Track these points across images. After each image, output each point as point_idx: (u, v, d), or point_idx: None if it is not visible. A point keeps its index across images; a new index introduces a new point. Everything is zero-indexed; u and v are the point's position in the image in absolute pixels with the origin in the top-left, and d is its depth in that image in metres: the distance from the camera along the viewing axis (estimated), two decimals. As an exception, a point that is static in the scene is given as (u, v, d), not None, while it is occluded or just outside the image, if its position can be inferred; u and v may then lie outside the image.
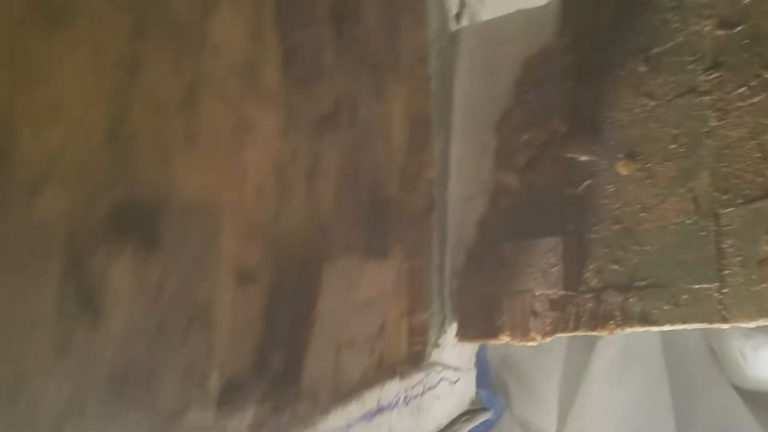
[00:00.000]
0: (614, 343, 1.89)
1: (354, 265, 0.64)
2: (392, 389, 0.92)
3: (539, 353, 1.94)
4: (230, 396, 0.48)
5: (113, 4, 0.36)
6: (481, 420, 1.51)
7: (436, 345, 1.21)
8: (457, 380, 1.42)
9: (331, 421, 0.63)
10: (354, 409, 0.73)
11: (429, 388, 1.19)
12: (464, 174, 1.22)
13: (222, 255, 0.48)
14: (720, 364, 1.91)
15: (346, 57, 0.72)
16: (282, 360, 0.57)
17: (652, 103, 0.92)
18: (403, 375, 0.98)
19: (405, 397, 1.03)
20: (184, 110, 0.44)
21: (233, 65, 0.50)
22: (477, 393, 1.60)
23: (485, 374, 2.09)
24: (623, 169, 0.96)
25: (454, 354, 1.40)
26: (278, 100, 0.57)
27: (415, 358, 1.13)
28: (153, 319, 0.38)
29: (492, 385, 2.14)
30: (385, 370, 0.93)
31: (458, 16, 1.30)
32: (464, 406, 1.53)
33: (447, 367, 1.31)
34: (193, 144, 0.45)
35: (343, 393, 0.69)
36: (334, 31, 0.66)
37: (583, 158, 1.03)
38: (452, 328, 1.25)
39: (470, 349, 1.55)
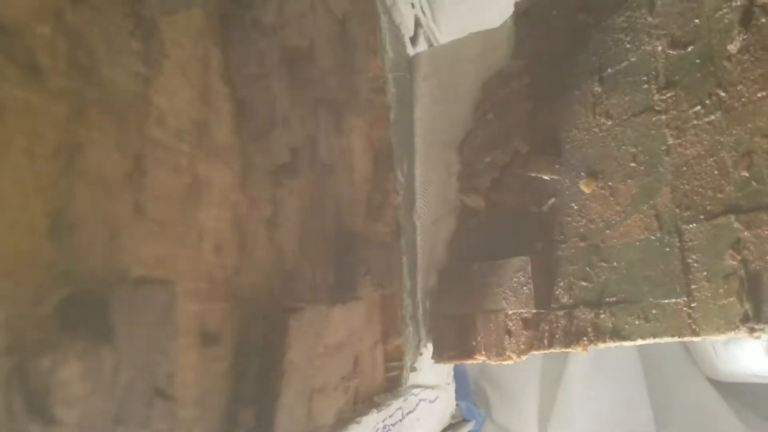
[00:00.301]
0: (589, 346, 1.91)
1: (321, 312, 0.63)
2: (370, 422, 0.91)
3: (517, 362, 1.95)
4: (201, 462, 0.47)
5: (45, 91, 0.35)
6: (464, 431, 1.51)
7: (413, 369, 1.21)
8: (436, 398, 1.42)
9: (308, 468, 0.62)
10: (331, 451, 0.72)
11: (408, 413, 1.18)
12: (430, 197, 1.23)
13: (181, 322, 0.47)
14: (693, 358, 1.94)
15: (302, 100, 0.72)
16: (252, 416, 0.56)
17: (610, 123, 0.93)
18: (380, 406, 0.97)
19: (384, 427, 1.03)
20: (130, 184, 0.42)
21: (181, 130, 0.49)
22: (457, 405, 1.60)
23: (464, 386, 2.10)
24: (585, 187, 0.96)
25: (431, 374, 1.39)
26: (232, 156, 0.56)
27: (392, 385, 1.12)
28: (110, 411, 0.36)
29: (472, 395, 2.15)
30: (361, 405, 0.92)
31: (414, 39, 1.30)
32: (445, 421, 1.52)
33: (425, 387, 1.31)
34: (143, 216, 0.44)
35: (319, 438, 0.67)
36: (287, 77, 0.65)
37: (546, 177, 1.03)
38: (428, 349, 1.25)
39: (447, 365, 1.56)
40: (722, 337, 0.80)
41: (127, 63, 0.43)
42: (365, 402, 0.94)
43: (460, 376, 1.99)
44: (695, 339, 0.82)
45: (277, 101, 0.58)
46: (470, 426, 1.61)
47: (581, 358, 1.94)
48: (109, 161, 0.40)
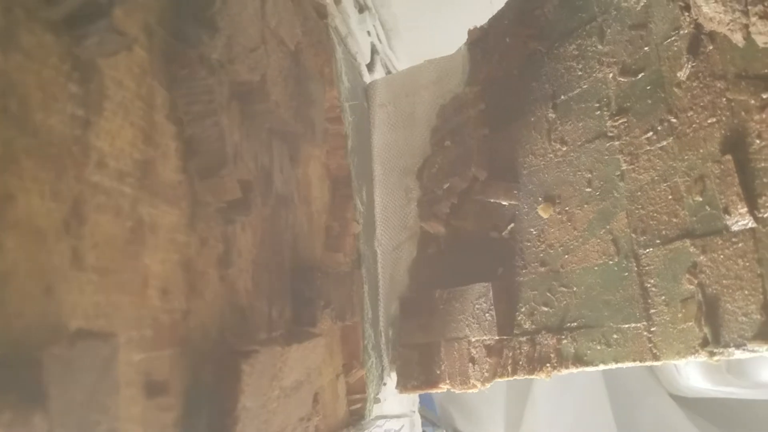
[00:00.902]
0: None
1: (276, 353, 0.61)
2: (333, 459, 0.89)
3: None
4: None
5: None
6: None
7: (377, 400, 1.19)
8: (402, 427, 1.40)
9: None
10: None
11: (373, 445, 1.16)
12: (391, 223, 1.22)
13: (123, 374, 0.45)
14: (656, 375, 1.97)
15: (255, 133, 0.70)
16: (206, 466, 0.53)
17: (565, 148, 0.94)
18: (343, 441, 0.95)
19: (348, 462, 1.01)
20: (68, 232, 0.40)
21: (123, 172, 0.47)
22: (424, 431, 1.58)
23: (431, 411, 2.08)
24: (543, 212, 0.97)
25: (395, 403, 1.37)
26: (179, 195, 0.54)
27: (355, 418, 1.10)
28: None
29: (439, 420, 2.14)
30: (324, 442, 0.90)
31: (371, 66, 1.30)
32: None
33: (390, 418, 1.29)
34: (82, 265, 0.41)
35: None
36: (238, 112, 0.63)
37: (505, 203, 1.03)
38: (392, 379, 1.23)
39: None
40: (683, 362, 0.80)
41: (63, 108, 0.41)
42: (327, 439, 0.91)
43: (427, 402, 1.98)
44: (656, 363, 0.82)
45: (227, 137, 0.56)
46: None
47: (546, 381, 1.94)
48: (43, 210, 0.38)
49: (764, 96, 0.66)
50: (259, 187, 0.72)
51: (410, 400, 1.52)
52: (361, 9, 1.28)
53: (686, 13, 0.75)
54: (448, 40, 1.20)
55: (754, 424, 1.83)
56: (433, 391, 1.15)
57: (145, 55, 0.50)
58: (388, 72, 1.46)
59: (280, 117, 0.73)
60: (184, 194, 0.55)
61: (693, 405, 1.91)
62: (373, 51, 1.38)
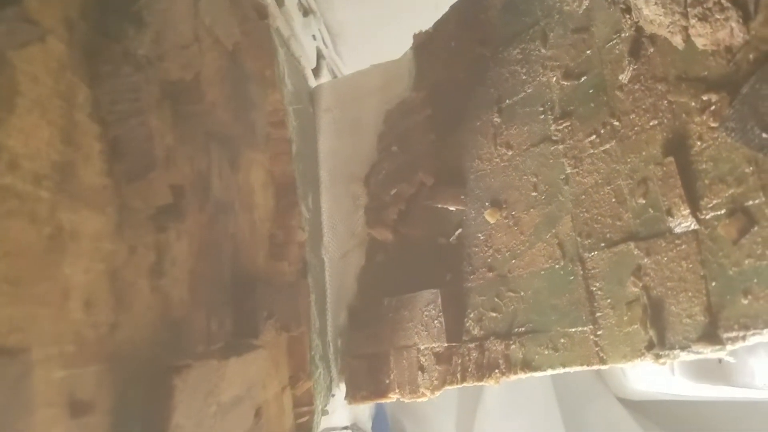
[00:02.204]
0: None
1: (212, 368, 0.58)
2: (278, 476, 0.86)
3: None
4: None
5: None
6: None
7: (325, 412, 1.16)
8: (352, 439, 1.37)
9: None
10: None
11: (322, 459, 1.13)
12: (338, 231, 1.19)
13: (41, 393, 0.41)
14: (603, 378, 1.99)
15: (190, 136, 0.67)
16: (137, 489, 0.50)
17: (510, 153, 0.93)
18: (289, 457, 0.92)
19: (295, 477, 0.97)
20: (-26, 240, 0.37)
21: (39, 174, 0.43)
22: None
23: (383, 420, 2.06)
24: (490, 217, 0.96)
25: (345, 414, 1.34)
26: (104, 200, 0.51)
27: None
28: None
29: (390, 430, 2.11)
30: (268, 458, 0.86)
31: (317, 71, 1.28)
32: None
33: (338, 430, 1.26)
34: (-8, 277, 0.38)
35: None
36: (170, 113, 0.60)
37: (452, 208, 1.02)
38: (341, 390, 1.20)
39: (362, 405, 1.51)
40: (629, 365, 0.80)
41: (-32, 103, 0.38)
42: (272, 454, 0.88)
43: (378, 412, 1.95)
44: (603, 367, 0.81)
45: (156, 138, 0.53)
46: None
47: (496, 387, 1.95)
48: (-58, 215, 0.35)
49: (704, 98, 0.67)
50: (195, 193, 0.68)
51: (360, 412, 1.50)
52: (306, 12, 1.26)
53: (627, 16, 0.75)
54: (396, 44, 1.19)
55: (700, 426, 1.87)
56: (383, 401, 1.13)
57: (65, 49, 0.47)
58: (335, 77, 1.44)
59: (218, 119, 0.70)
60: (110, 199, 0.52)
61: (640, 408, 1.94)
62: (319, 55, 1.36)
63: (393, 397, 1.10)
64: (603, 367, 0.82)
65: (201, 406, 0.54)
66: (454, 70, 1.03)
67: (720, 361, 1.35)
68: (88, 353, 0.47)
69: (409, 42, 1.14)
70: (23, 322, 0.41)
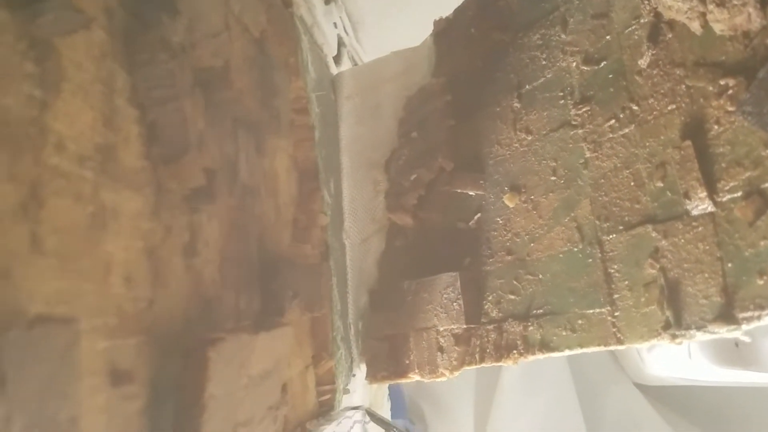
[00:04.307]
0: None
1: (244, 342, 0.61)
2: (303, 450, 0.89)
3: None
4: None
5: None
6: (401, 451, 1.50)
7: (346, 391, 1.18)
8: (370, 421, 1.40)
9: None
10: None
11: (342, 436, 1.16)
12: (359, 216, 1.22)
13: (86, 361, 0.44)
14: (621, 364, 2.00)
15: (219, 122, 0.69)
16: (171, 456, 0.53)
17: (530, 138, 0.94)
18: (312, 432, 0.95)
19: (318, 453, 1.00)
20: (26, 216, 0.39)
21: (83, 156, 0.46)
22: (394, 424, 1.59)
23: (400, 403, 2.09)
24: (509, 201, 0.97)
25: (365, 394, 1.37)
26: (142, 181, 0.53)
27: (324, 409, 1.09)
28: (3, 463, 0.33)
29: (408, 412, 2.14)
30: (292, 433, 0.89)
31: (338, 59, 1.30)
32: (382, 441, 1.50)
33: (359, 409, 1.28)
34: (41, 250, 0.40)
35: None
36: (201, 98, 0.62)
37: (472, 193, 1.04)
38: (361, 370, 1.23)
39: (382, 385, 1.54)
40: (646, 345, 0.81)
41: (19, 87, 0.40)
42: (296, 429, 0.91)
43: (396, 394, 1.98)
44: (620, 347, 0.83)
45: (189, 123, 0.55)
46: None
47: (513, 370, 1.96)
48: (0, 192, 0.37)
49: (721, 82, 0.68)
50: (224, 177, 0.71)
51: (380, 392, 1.53)
52: (327, 0, 1.27)
53: (646, 2, 0.76)
54: (416, 32, 1.20)
55: (717, 412, 1.88)
56: (403, 381, 1.15)
57: (105, 37, 0.49)
58: (356, 65, 1.45)
59: (245, 105, 0.72)
60: (148, 181, 0.55)
61: (657, 393, 1.95)
62: (340, 43, 1.37)
63: (413, 377, 1.13)
64: (620, 348, 0.84)
65: (233, 378, 0.57)
66: (473, 57, 1.05)
67: (737, 344, 1.36)
68: (129, 326, 0.50)
69: (429, 29, 1.15)
70: (70, 294, 0.43)
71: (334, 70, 1.29)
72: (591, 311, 0.85)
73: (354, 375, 1.23)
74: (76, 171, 0.45)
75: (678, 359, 1.70)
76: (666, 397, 1.95)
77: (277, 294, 0.83)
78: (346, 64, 1.39)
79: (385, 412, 1.57)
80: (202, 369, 0.54)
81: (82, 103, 0.46)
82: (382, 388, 1.60)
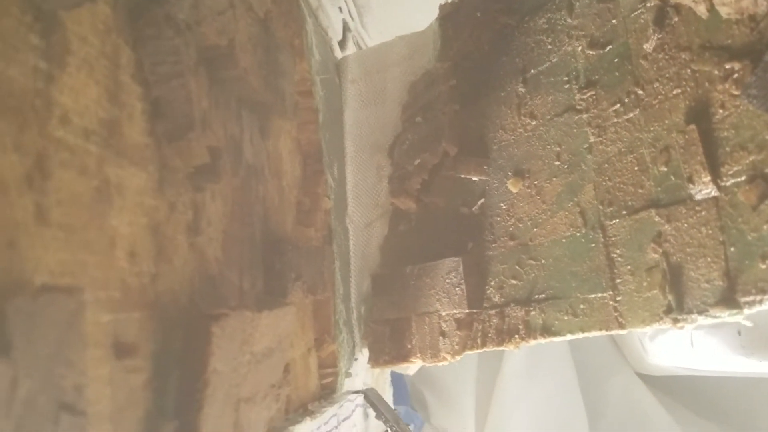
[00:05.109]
0: (523, 344, 1.95)
1: (247, 319, 0.61)
2: (304, 431, 0.89)
3: (453, 362, 1.97)
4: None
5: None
6: (402, 437, 1.51)
7: (348, 375, 1.19)
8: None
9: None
10: (262, 462, 0.70)
11: (344, 419, 1.17)
12: (362, 200, 1.22)
13: (91, 333, 0.44)
14: (623, 354, 2.00)
15: (223, 101, 0.69)
16: (174, 430, 0.53)
17: (534, 123, 0.94)
18: (314, 413, 0.95)
19: (319, 434, 1.01)
20: (32, 186, 0.40)
21: (88, 130, 0.46)
22: (395, 410, 1.59)
23: (403, 390, 2.10)
24: (513, 186, 0.97)
25: (367, 379, 1.38)
26: (146, 158, 0.53)
27: (327, 392, 1.10)
28: (9, 425, 0.34)
29: (410, 399, 2.15)
30: (294, 414, 0.90)
31: (343, 43, 1.30)
32: (383, 426, 1.51)
33: (353, 392, 1.29)
34: (46, 221, 0.41)
35: (248, 450, 0.65)
36: (206, 77, 0.63)
37: (475, 178, 1.04)
38: (363, 355, 1.24)
39: (384, 370, 1.55)
40: (648, 329, 0.82)
41: (25, 59, 0.41)
42: (298, 410, 0.92)
43: (398, 381, 1.99)
44: (622, 332, 0.83)
45: (194, 101, 0.55)
46: (409, 430, 1.60)
47: (515, 358, 1.97)
48: (5, 162, 0.37)
49: (727, 66, 0.68)
50: (228, 156, 0.71)
51: (382, 377, 1.54)
52: (332, -16, 1.27)
53: (653, -15, 0.76)
54: (421, 16, 1.20)
55: (719, 402, 1.88)
56: (405, 364, 1.16)
57: (110, 12, 0.49)
58: (360, 49, 1.45)
59: (250, 85, 0.73)
60: (152, 157, 0.55)
61: (660, 383, 1.95)
62: (346, 28, 1.37)
63: (414, 361, 1.13)
64: (621, 332, 0.84)
65: (236, 353, 0.58)
66: (479, 41, 1.04)
67: (740, 333, 1.36)
68: (132, 300, 0.51)
69: (434, 13, 1.15)
70: (75, 266, 0.44)
71: (339, 54, 1.29)
72: (593, 296, 0.85)
73: (356, 359, 1.24)
74: (81, 144, 0.45)
75: (680, 349, 1.70)
76: (668, 387, 1.96)
77: (280, 275, 0.83)
78: (351, 50, 1.39)
79: (388, 399, 1.57)
80: (206, 344, 0.54)
81: (87, 77, 0.46)
82: (384, 374, 1.61)
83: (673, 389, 1.95)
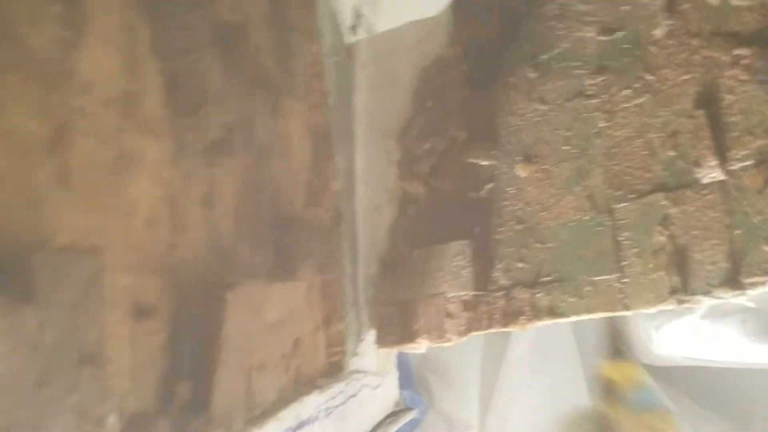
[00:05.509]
0: (527, 330, 1.95)
1: (259, 288, 0.63)
2: (312, 403, 0.91)
3: (458, 348, 1.97)
4: None
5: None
6: (406, 420, 1.52)
7: (355, 354, 1.20)
8: (379, 385, 1.42)
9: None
10: (271, 428, 0.71)
11: (351, 396, 1.18)
12: (371, 184, 1.23)
13: (110, 293, 0.46)
14: (627, 343, 2.01)
15: (236, 79, 0.71)
16: (189, 390, 0.55)
17: (544, 108, 0.95)
18: (322, 388, 0.97)
19: (326, 408, 1.02)
20: (54, 151, 0.41)
21: (108, 99, 0.47)
22: (400, 394, 1.61)
23: (408, 374, 2.11)
24: (521, 171, 0.98)
25: (373, 360, 1.39)
26: (163, 130, 0.55)
27: (334, 369, 1.12)
28: (34, 370, 0.35)
29: (415, 385, 2.17)
30: (303, 386, 0.91)
31: (354, 28, 1.30)
32: (388, 408, 1.53)
33: (367, 373, 1.31)
34: (68, 185, 0.42)
35: (258, 415, 0.67)
36: (219, 54, 0.64)
37: (484, 163, 1.05)
38: (370, 335, 1.25)
39: (390, 352, 1.56)
40: (652, 310, 0.83)
41: (48, 27, 0.42)
42: (307, 384, 0.93)
43: (404, 366, 2.00)
44: (626, 313, 0.85)
45: (208, 76, 0.57)
46: (413, 414, 1.62)
47: (520, 346, 1.98)
48: (29, 125, 0.39)
49: (736, 52, 0.68)
50: (241, 134, 0.72)
51: (388, 360, 1.55)
52: (346, -32, 1.27)
53: (664, -29, 0.76)
54: (433, 2, 1.20)
55: (724, 392, 1.88)
56: (411, 345, 1.17)
57: (129, -13, 0.51)
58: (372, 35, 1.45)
59: (262, 64, 0.74)
60: (168, 130, 0.56)
61: (665, 374, 1.95)
62: (357, 14, 1.37)
63: (421, 343, 1.14)
64: (626, 314, 0.85)
65: (249, 321, 0.59)
66: (490, 26, 1.05)
67: (743, 321, 1.36)
68: (151, 265, 0.52)
69: (447, -1, 1.15)
70: (96, 229, 0.45)
71: (349, 39, 1.29)
72: (599, 278, 0.86)
73: (363, 340, 1.25)
74: (101, 113, 0.47)
75: (686, 338, 1.71)
76: (674, 378, 1.96)
77: (290, 252, 0.85)
78: (362, 35, 1.39)
79: (394, 381, 1.59)
80: (220, 311, 0.56)
81: (106, 49, 0.48)
82: (390, 355, 1.62)
83: (679, 380, 1.96)
